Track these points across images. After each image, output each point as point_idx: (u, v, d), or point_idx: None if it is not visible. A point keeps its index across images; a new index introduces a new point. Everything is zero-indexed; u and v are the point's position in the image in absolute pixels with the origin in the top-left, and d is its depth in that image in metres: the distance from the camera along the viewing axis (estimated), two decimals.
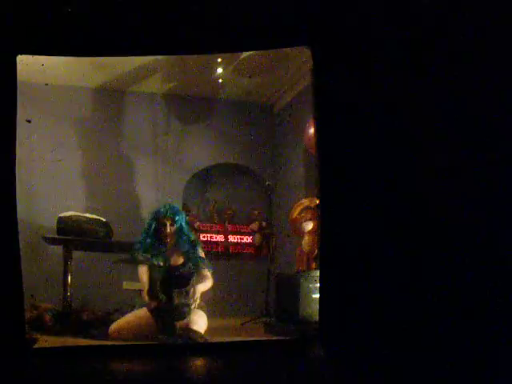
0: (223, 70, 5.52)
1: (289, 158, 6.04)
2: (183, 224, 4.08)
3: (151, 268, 3.95)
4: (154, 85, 5.89)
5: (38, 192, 5.27)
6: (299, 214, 4.97)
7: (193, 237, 4.17)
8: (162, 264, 3.94)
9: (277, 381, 2.47)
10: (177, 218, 4.05)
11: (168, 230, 4.02)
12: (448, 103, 2.65)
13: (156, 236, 4.04)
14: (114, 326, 3.80)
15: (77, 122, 5.78)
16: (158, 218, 4.06)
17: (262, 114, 6.39)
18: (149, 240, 4.02)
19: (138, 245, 4.04)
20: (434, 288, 2.60)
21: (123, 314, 4.00)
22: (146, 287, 3.91)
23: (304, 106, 5.32)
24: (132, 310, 3.97)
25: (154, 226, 4.05)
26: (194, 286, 3.90)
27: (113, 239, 4.65)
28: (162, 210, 4.07)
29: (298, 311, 4.09)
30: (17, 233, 2.82)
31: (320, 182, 3.07)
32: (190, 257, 4.02)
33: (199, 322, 3.79)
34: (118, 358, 3.07)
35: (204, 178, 6.35)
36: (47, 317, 3.89)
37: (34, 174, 5.15)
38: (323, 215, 3.05)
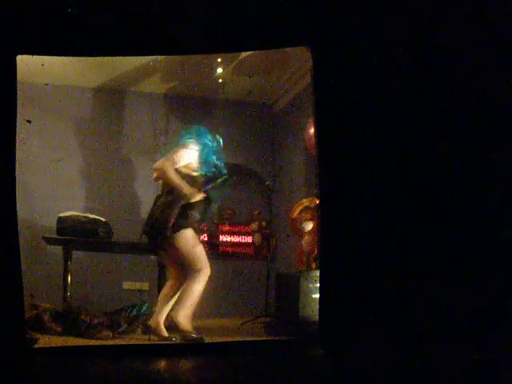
0: (223, 70, 5.51)
1: (289, 158, 6.03)
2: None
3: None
4: (154, 85, 5.87)
5: (37, 192, 5.26)
6: (299, 213, 4.97)
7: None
8: None
9: (277, 381, 2.47)
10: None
11: None
12: (449, 102, 2.65)
13: None
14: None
15: (77, 121, 5.77)
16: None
17: (262, 114, 6.38)
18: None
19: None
20: (435, 288, 2.60)
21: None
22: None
23: (304, 105, 5.31)
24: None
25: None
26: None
27: (113, 239, 4.65)
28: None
29: (298, 311, 4.08)
30: (17, 233, 2.82)
31: (320, 182, 3.08)
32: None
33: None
34: (118, 357, 3.07)
35: None
36: (46, 317, 3.88)
37: (34, 174, 5.14)
38: (323, 215, 3.05)
